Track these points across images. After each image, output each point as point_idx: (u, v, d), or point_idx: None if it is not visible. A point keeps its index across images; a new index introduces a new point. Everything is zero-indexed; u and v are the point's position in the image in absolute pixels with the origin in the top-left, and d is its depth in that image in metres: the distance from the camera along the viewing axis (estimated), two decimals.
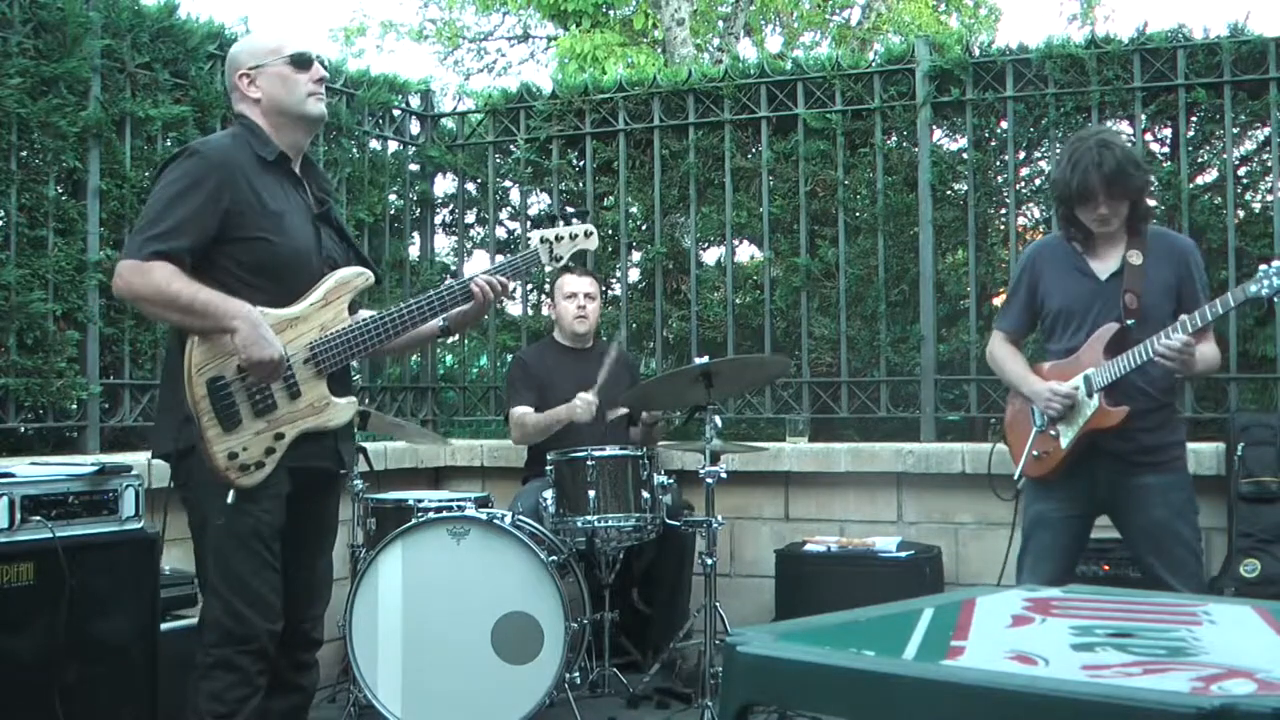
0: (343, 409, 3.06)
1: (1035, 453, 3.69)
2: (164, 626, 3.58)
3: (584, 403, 4.75)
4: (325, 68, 3.16)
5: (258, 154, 3.01)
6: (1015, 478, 3.77)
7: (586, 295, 5.10)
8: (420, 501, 4.40)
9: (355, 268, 3.11)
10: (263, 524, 2.93)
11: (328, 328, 3.02)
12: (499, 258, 6.32)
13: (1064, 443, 3.63)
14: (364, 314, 3.20)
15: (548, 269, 3.70)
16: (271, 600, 2.95)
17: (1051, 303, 3.74)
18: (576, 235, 3.32)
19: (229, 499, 2.88)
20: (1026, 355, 3.92)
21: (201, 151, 2.98)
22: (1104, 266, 3.66)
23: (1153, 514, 3.58)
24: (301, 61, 3.07)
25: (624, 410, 4.83)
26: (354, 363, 3.37)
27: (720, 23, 13.98)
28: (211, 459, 2.87)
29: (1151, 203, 4.02)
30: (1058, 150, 5.27)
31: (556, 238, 3.30)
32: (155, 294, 2.86)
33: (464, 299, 3.18)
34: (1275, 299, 3.37)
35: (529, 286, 6.31)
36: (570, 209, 5.83)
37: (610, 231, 6.07)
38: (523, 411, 4.97)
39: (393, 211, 6.07)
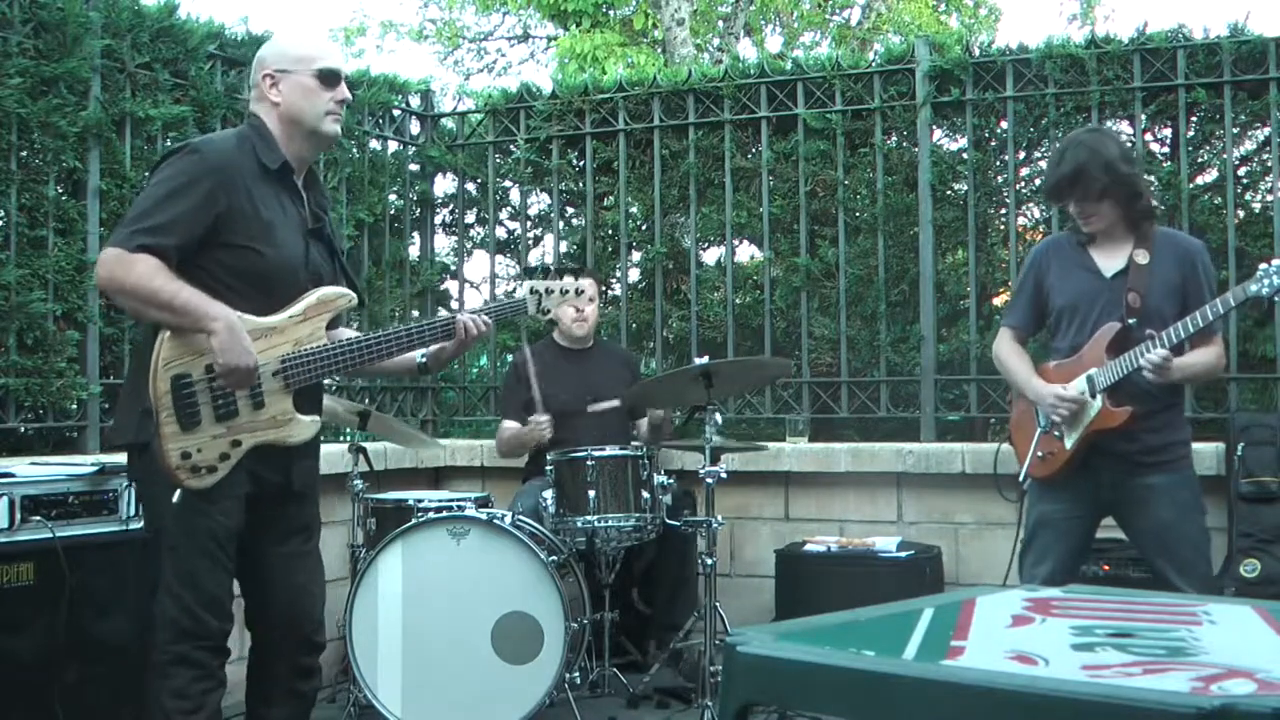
0: (305, 426, 3.01)
1: (1040, 453, 3.69)
2: None
3: (536, 424, 4.81)
4: (350, 90, 3.13)
5: (261, 160, 2.97)
6: (1020, 478, 3.77)
7: (587, 298, 5.09)
8: (420, 501, 4.40)
9: (339, 288, 3.08)
10: (219, 525, 2.90)
11: (302, 343, 2.97)
12: (499, 258, 6.34)
13: (1068, 443, 3.62)
14: (345, 333, 3.16)
15: (542, 319, 3.68)
16: (224, 601, 2.95)
17: (1057, 299, 3.73)
18: (568, 291, 3.32)
19: (174, 498, 2.84)
20: (1031, 354, 3.92)
21: (202, 151, 2.94)
22: (1110, 264, 3.65)
23: (1159, 514, 3.57)
24: (329, 78, 3.05)
25: (613, 403, 4.82)
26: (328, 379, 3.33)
27: (720, 23, 13.98)
28: (164, 456, 2.83)
29: (1153, 201, 4.00)
30: None
31: (547, 291, 3.29)
32: (136, 286, 2.82)
33: (444, 336, 3.14)
34: (1276, 298, 3.37)
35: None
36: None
37: (610, 231, 6.07)
38: (506, 425, 5.07)
39: (393, 211, 6.07)
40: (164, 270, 2.82)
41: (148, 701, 3.02)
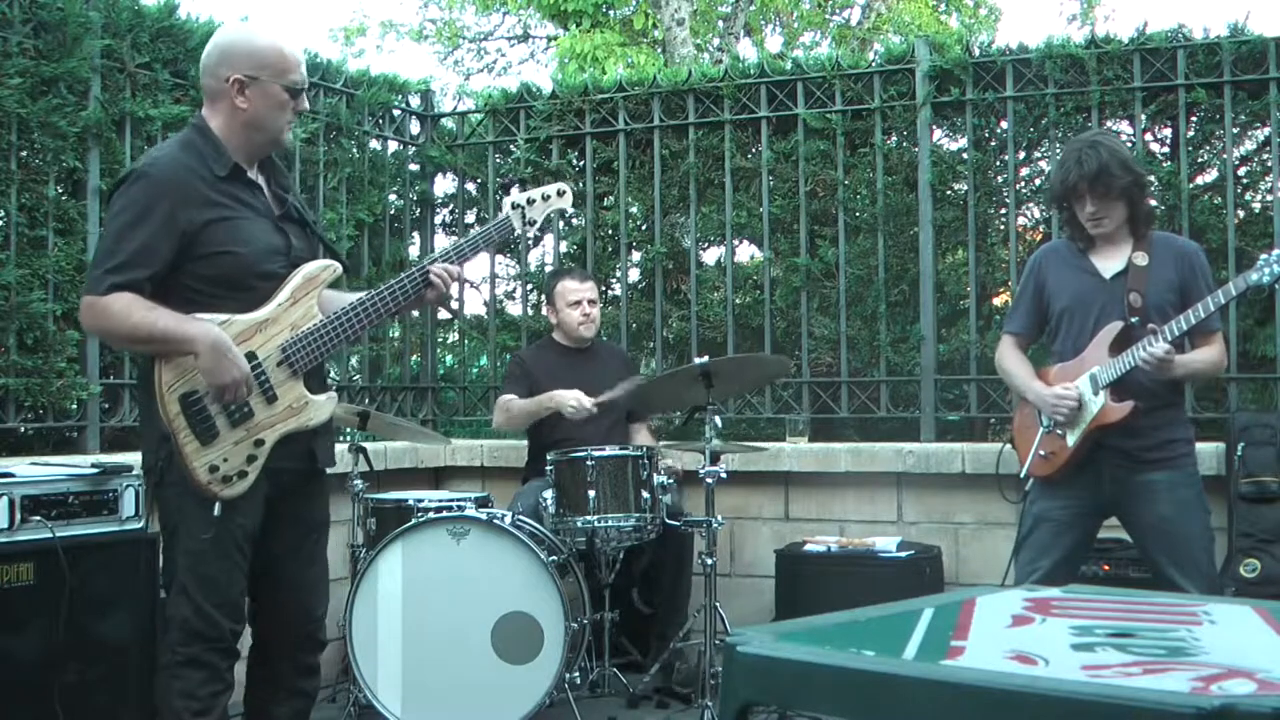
0: (322, 406, 3.02)
1: (1042, 452, 3.70)
2: None
3: (577, 403, 4.76)
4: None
5: (210, 167, 2.93)
6: (1021, 476, 3.78)
7: (589, 301, 5.11)
8: (420, 501, 4.40)
9: (321, 261, 3.06)
10: (240, 530, 2.91)
11: (298, 326, 2.97)
12: (499, 258, 6.33)
13: (1070, 441, 3.64)
14: (346, 298, 3.12)
15: (529, 234, 3.65)
16: (239, 603, 2.96)
17: (1057, 303, 3.75)
18: (549, 196, 3.25)
19: (215, 512, 2.84)
20: (1031, 357, 3.93)
21: (150, 174, 2.88)
22: (1109, 266, 3.68)
23: (1160, 510, 3.58)
24: (298, 93, 3.02)
25: (617, 392, 4.80)
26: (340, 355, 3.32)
27: (720, 23, 13.98)
28: (193, 474, 2.84)
29: (1152, 203, 4.03)
30: (1058, 150, 5.28)
31: (529, 201, 3.24)
32: (116, 327, 2.84)
33: (424, 285, 3.09)
34: (1278, 287, 3.39)
35: (529, 286, 6.31)
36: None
37: (610, 231, 6.07)
38: (509, 398, 4.99)
39: (393, 211, 6.07)
40: (137, 303, 2.81)
41: (155, 701, 3.02)
